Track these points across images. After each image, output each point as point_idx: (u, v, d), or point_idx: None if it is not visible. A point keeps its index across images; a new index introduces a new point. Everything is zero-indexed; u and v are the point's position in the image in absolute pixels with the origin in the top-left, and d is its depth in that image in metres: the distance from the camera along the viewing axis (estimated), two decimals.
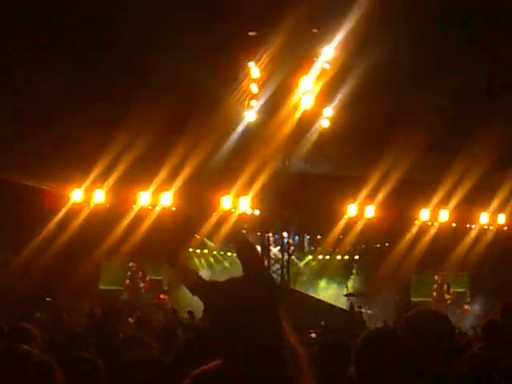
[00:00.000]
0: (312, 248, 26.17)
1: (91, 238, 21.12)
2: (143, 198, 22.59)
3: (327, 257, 25.96)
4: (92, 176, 21.84)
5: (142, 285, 23.18)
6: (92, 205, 22.29)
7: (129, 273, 23.24)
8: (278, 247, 23.39)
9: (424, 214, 24.72)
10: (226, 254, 25.27)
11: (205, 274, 23.77)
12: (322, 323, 16.64)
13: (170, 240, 22.18)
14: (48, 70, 18.17)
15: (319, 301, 22.35)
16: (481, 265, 24.17)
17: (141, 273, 23.32)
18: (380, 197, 23.65)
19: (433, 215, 24.78)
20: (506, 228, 25.54)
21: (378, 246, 25.54)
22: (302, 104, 21.39)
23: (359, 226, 24.33)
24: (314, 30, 20.60)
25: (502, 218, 25.33)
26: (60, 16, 18.59)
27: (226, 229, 23.16)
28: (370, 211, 24.10)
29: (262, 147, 21.52)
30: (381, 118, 21.07)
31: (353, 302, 21.35)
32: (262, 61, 21.02)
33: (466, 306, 24.91)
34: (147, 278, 23.43)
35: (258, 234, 23.47)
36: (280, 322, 2.62)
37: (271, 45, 20.34)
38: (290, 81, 21.07)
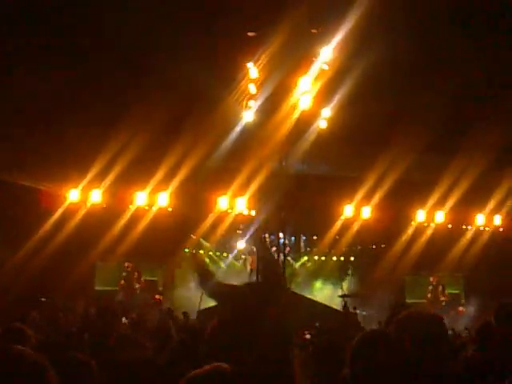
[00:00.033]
0: (308, 249, 26.15)
1: (87, 238, 21.11)
2: (140, 198, 22.59)
3: (323, 258, 25.96)
4: (89, 176, 21.82)
5: (137, 285, 23.14)
6: (89, 205, 22.28)
7: (124, 273, 23.21)
8: (274, 248, 23.37)
9: (420, 215, 24.77)
10: (221, 254, 25.26)
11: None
12: (317, 324, 16.62)
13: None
14: (47, 70, 18.14)
15: (314, 302, 22.34)
16: (476, 266, 24.20)
17: (136, 273, 23.29)
18: (376, 198, 23.70)
19: (429, 216, 24.83)
20: (501, 229, 25.59)
21: (374, 247, 25.54)
22: (299, 104, 21.38)
23: (355, 227, 24.36)
24: (313, 31, 20.61)
25: (497, 220, 25.39)
26: (60, 16, 18.58)
27: (222, 229, 23.19)
28: (367, 212, 24.14)
29: (260, 148, 21.52)
30: (378, 119, 21.08)
31: (347, 303, 21.32)
32: (260, 61, 21.02)
33: (460, 308, 24.93)
34: (142, 279, 23.40)
35: (254, 234, 23.51)
36: (290, 324, 2.65)
37: (270, 45, 20.35)
38: (288, 81, 21.07)
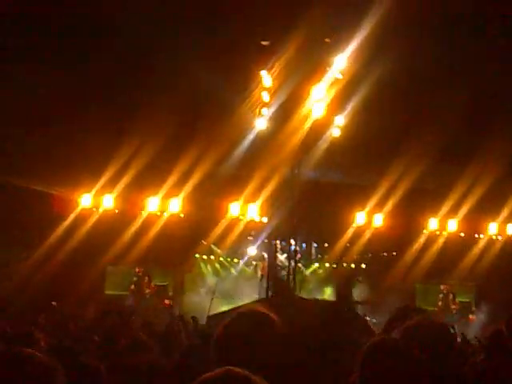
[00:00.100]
0: (319, 256, 26.11)
1: (99, 243, 21.18)
2: (152, 203, 22.64)
3: (334, 265, 25.91)
4: (101, 181, 21.90)
5: (147, 290, 23.17)
6: (101, 210, 22.34)
7: (135, 278, 23.24)
8: (285, 254, 23.37)
9: (432, 224, 24.66)
10: (232, 260, 25.28)
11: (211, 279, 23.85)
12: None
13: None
14: (59, 73, 18.25)
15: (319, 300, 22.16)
16: (488, 275, 24.07)
17: (147, 278, 23.32)
18: (388, 206, 23.64)
19: (441, 225, 24.71)
20: None
21: (385, 254, 25.46)
22: (313, 113, 21.38)
23: (367, 235, 24.30)
24: (327, 40, 20.63)
25: (510, 229, 25.22)
26: (77, 17, 18.67)
27: (233, 236, 23.20)
28: (379, 220, 24.08)
29: (272, 155, 21.54)
30: (391, 126, 21.08)
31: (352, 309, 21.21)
32: (274, 69, 21.05)
33: (471, 316, 24.78)
34: (153, 284, 23.44)
35: (265, 241, 23.51)
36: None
37: (283, 54, 20.39)
38: (301, 89, 21.06)
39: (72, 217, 21.91)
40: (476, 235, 25.15)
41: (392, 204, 23.50)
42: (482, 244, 24.96)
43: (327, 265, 25.91)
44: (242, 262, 25.14)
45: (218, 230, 22.96)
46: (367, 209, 23.99)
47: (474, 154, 21.90)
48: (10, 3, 17.93)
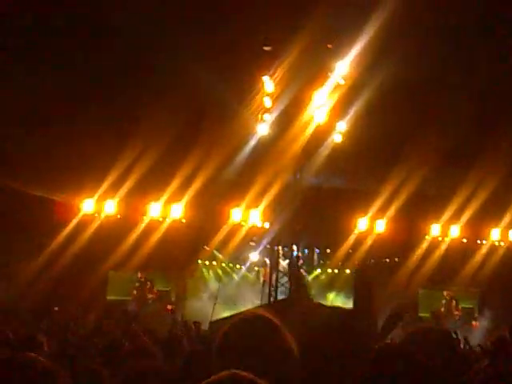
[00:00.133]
0: (321, 262, 26.09)
1: (101, 248, 21.17)
2: (154, 209, 22.62)
3: (336, 271, 25.89)
4: (104, 186, 21.89)
5: (149, 296, 23.16)
6: (103, 216, 22.33)
7: (137, 283, 23.23)
8: (287, 260, 23.35)
9: (435, 230, 24.62)
10: (234, 266, 25.26)
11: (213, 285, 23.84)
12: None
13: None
14: (61, 74, 18.26)
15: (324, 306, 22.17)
16: (491, 281, 24.02)
17: (149, 283, 23.31)
18: (391, 211, 23.61)
19: (443, 231, 24.67)
20: None
21: (388, 260, 25.43)
22: (315, 118, 21.38)
23: (369, 241, 24.27)
24: (329, 46, 20.64)
25: None
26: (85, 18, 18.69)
27: (235, 241, 23.18)
28: (381, 226, 24.04)
29: (274, 161, 21.54)
30: (393, 133, 21.07)
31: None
32: (276, 75, 21.05)
33: (474, 322, 24.74)
34: (155, 289, 23.42)
35: (268, 246, 23.49)
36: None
37: (286, 59, 20.40)
38: (303, 95, 21.07)
39: (74, 222, 21.90)
40: (478, 241, 25.08)
41: (394, 210, 23.47)
42: (484, 250, 24.90)
43: (329, 270, 25.89)
44: (244, 268, 25.13)
45: (220, 236, 22.94)
46: (369, 214, 23.95)
47: (477, 160, 21.88)
48: (10, 3, 17.94)
